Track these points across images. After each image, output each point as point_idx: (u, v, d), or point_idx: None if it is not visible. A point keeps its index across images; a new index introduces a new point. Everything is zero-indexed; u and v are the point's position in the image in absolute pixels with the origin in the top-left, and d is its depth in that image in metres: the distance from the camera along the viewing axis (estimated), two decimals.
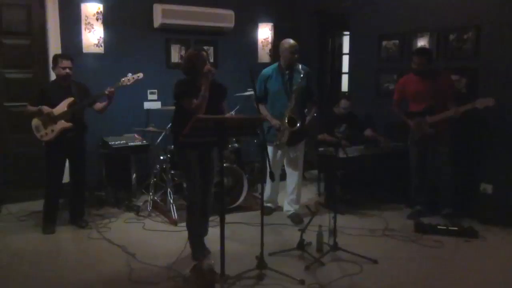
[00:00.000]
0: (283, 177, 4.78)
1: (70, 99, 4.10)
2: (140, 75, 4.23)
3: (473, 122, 4.42)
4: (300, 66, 4.31)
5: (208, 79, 3.37)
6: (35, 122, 4.09)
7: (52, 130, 4.05)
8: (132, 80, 4.19)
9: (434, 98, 4.31)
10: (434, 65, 4.47)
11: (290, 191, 4.56)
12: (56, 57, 4.19)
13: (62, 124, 4.05)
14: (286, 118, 4.23)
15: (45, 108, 4.02)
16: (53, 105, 4.06)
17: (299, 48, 4.36)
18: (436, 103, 4.30)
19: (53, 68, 4.19)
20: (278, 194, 4.78)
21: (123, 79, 4.17)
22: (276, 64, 4.47)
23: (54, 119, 4.04)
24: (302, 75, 4.26)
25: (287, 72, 4.36)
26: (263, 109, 4.38)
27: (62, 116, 4.06)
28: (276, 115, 4.35)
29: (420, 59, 4.32)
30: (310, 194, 5.59)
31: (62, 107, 4.07)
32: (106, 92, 4.10)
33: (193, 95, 3.38)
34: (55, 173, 4.21)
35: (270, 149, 4.40)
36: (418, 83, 4.40)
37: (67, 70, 4.10)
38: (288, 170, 4.58)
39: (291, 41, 4.35)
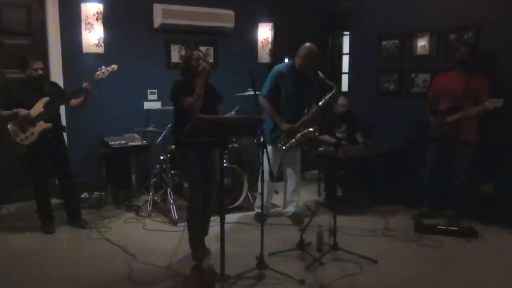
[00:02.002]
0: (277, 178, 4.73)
1: (45, 99, 3.99)
2: (115, 66, 4.14)
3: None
4: (321, 74, 4.23)
5: (203, 77, 3.35)
6: (11, 127, 3.94)
7: (32, 133, 3.94)
8: (106, 73, 4.09)
9: (464, 98, 4.21)
10: (476, 64, 4.33)
11: (291, 192, 4.53)
12: (26, 58, 4.01)
13: (41, 125, 3.95)
14: (314, 128, 4.14)
15: (22, 111, 3.87)
16: (26, 107, 3.92)
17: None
18: (467, 102, 4.19)
19: (23, 70, 4.01)
20: (272, 197, 4.73)
21: (97, 72, 4.08)
22: (289, 63, 4.32)
23: (32, 121, 3.92)
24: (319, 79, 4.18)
25: (301, 75, 4.25)
26: (272, 111, 4.25)
27: (40, 117, 3.94)
28: (286, 118, 4.24)
29: (464, 47, 4.27)
30: (310, 194, 5.59)
31: (38, 108, 3.95)
32: (84, 86, 4.00)
33: (189, 94, 3.36)
34: (40, 175, 4.15)
35: (269, 149, 4.38)
36: (453, 79, 4.32)
37: (39, 72, 3.99)
38: (289, 171, 4.52)
39: (316, 48, 4.24)
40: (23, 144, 3.98)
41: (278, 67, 4.37)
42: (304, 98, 4.27)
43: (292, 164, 4.50)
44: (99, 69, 4.10)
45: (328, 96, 4.19)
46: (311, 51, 4.18)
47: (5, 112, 3.91)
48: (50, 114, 4.00)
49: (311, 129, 4.15)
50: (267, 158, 3.35)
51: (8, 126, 3.94)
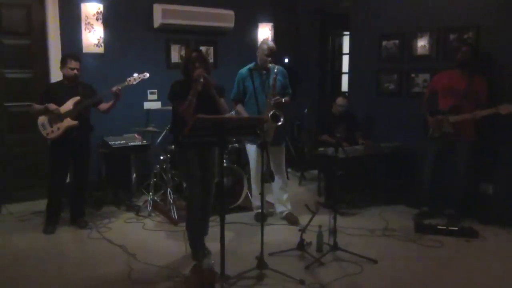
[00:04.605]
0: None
1: (76, 98, 4.11)
2: (146, 74, 4.27)
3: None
4: (272, 66, 4.31)
5: (198, 85, 3.33)
6: (41, 119, 4.09)
7: (58, 128, 4.06)
8: (138, 80, 4.22)
9: (465, 98, 4.21)
10: (477, 64, 4.31)
11: (278, 192, 4.54)
12: (65, 57, 4.19)
13: (68, 122, 4.06)
14: (270, 114, 4.16)
15: (52, 106, 4.03)
16: (59, 104, 4.07)
17: (275, 51, 4.35)
18: (467, 103, 4.20)
19: (61, 68, 4.18)
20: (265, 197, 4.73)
21: (129, 78, 4.20)
22: (253, 64, 4.45)
23: (60, 117, 4.05)
24: (276, 72, 4.26)
25: (264, 72, 4.36)
26: (241, 109, 4.40)
27: (68, 114, 4.07)
28: (255, 115, 4.26)
29: (466, 47, 4.27)
30: (310, 194, 5.59)
31: (68, 105, 4.08)
32: (114, 90, 4.11)
33: (186, 95, 3.37)
34: (58, 172, 4.22)
35: (253, 148, 4.41)
36: (454, 78, 4.31)
37: (75, 71, 4.12)
38: (273, 170, 4.47)
39: (269, 43, 4.35)
40: (48, 138, 4.11)
41: (241, 70, 4.52)
42: (269, 93, 4.30)
43: (274, 163, 4.48)
44: (133, 75, 4.22)
45: (273, 101, 4.21)
46: (264, 46, 4.31)
47: (38, 106, 4.11)
48: (78, 112, 4.11)
49: (268, 115, 4.16)
50: (262, 158, 3.36)
51: (38, 119, 4.10)
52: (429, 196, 4.63)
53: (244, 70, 4.47)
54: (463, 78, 4.26)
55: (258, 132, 3.38)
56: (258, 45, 4.41)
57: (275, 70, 4.27)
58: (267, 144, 3.47)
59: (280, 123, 4.18)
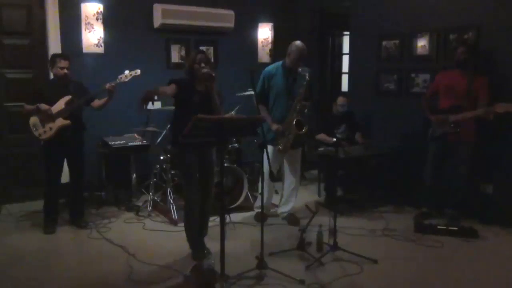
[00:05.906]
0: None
1: (68, 97, 4.08)
2: (138, 71, 4.20)
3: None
4: (301, 69, 4.14)
5: (210, 84, 3.39)
6: (32, 120, 4.07)
7: (51, 128, 4.04)
8: (129, 77, 4.15)
9: (466, 98, 4.20)
10: (476, 64, 4.32)
11: (288, 194, 4.53)
12: (54, 57, 4.17)
13: (60, 121, 4.04)
14: (294, 121, 4.11)
15: (43, 106, 4.00)
16: (51, 104, 4.04)
17: (306, 55, 4.23)
18: (467, 102, 4.20)
19: (51, 68, 4.16)
20: (272, 198, 4.71)
21: (120, 76, 4.14)
22: (280, 63, 4.34)
23: (52, 117, 4.03)
24: (307, 77, 4.10)
25: (291, 73, 4.25)
26: (263, 111, 4.28)
27: (60, 113, 4.04)
28: (277, 118, 4.25)
29: (462, 48, 4.26)
30: (310, 194, 5.59)
31: (60, 105, 4.05)
32: (107, 87, 4.07)
33: (187, 92, 3.42)
34: (53, 172, 4.21)
35: (269, 148, 4.37)
36: (455, 78, 4.31)
37: (65, 70, 4.10)
38: (288, 172, 4.52)
39: (303, 45, 4.19)
40: (41, 139, 4.09)
41: (267, 68, 4.41)
42: (294, 96, 4.21)
43: (291, 164, 4.48)
44: (124, 72, 4.17)
45: (299, 106, 4.13)
46: (300, 49, 4.17)
47: (29, 106, 4.07)
48: (70, 112, 4.09)
49: (293, 124, 4.12)
50: (267, 158, 3.38)
51: (30, 120, 4.07)
52: (429, 196, 4.63)
53: (271, 68, 4.35)
54: (463, 78, 4.26)
55: (258, 132, 3.38)
56: (289, 47, 4.21)
57: (307, 77, 4.09)
58: (266, 144, 3.47)
59: (303, 131, 4.13)
